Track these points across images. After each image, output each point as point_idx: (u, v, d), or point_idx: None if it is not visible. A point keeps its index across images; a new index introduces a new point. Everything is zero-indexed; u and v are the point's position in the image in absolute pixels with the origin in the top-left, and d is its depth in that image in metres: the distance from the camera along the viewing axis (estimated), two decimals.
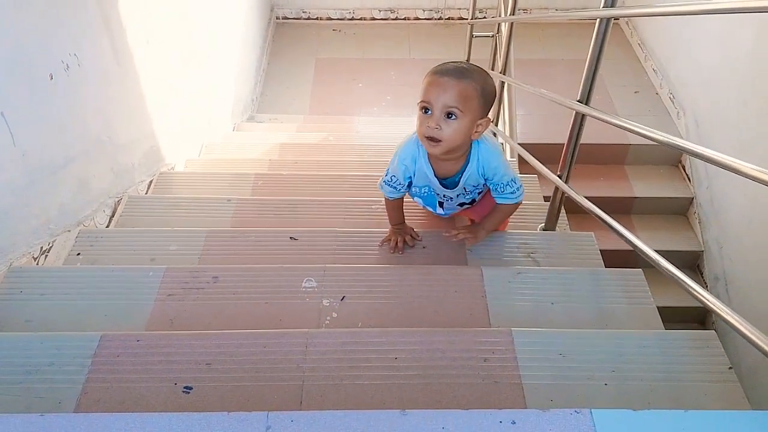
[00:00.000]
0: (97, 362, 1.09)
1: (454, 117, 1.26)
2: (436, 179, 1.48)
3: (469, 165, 1.43)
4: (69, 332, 1.18)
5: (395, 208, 1.63)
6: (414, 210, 1.78)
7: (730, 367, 1.08)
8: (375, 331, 1.16)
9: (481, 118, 1.31)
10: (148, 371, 1.08)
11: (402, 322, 1.30)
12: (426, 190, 1.55)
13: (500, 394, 1.03)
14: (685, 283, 1.08)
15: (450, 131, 1.27)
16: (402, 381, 1.05)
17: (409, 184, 1.54)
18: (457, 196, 1.53)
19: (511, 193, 1.50)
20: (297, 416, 0.74)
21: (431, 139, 1.29)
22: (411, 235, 1.65)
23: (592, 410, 0.74)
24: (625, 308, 1.34)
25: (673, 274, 1.15)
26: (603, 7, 1.40)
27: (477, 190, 1.56)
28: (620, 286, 1.39)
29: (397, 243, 1.61)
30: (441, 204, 1.62)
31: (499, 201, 1.53)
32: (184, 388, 1.05)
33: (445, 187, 1.50)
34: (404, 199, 1.63)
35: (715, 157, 1.02)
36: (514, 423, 0.74)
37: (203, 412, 0.75)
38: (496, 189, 1.50)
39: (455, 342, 1.12)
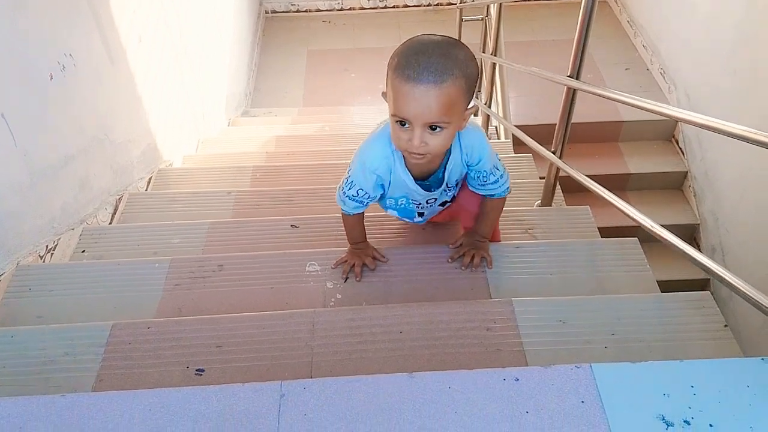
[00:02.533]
0: (110, 350, 1.12)
1: (439, 129, 1.04)
2: (417, 186, 1.24)
3: (451, 155, 1.21)
4: (81, 323, 1.21)
5: (356, 224, 1.37)
6: (387, 220, 1.60)
7: (726, 325, 1.11)
8: (379, 308, 1.19)
9: (468, 108, 1.08)
10: (160, 356, 1.11)
11: (405, 301, 1.33)
12: (403, 202, 1.35)
13: (503, 361, 1.06)
14: (677, 246, 1.12)
15: (436, 143, 1.05)
16: (407, 352, 1.08)
17: (381, 195, 1.33)
18: (441, 193, 1.31)
19: (495, 182, 1.28)
20: (309, 384, 0.77)
21: (414, 153, 1.08)
22: (374, 257, 1.40)
23: (592, 365, 0.77)
24: (623, 275, 1.37)
25: (667, 239, 1.18)
26: None
27: (459, 184, 1.36)
28: (617, 254, 1.42)
29: (354, 266, 1.38)
30: (421, 213, 1.41)
31: (483, 193, 1.30)
32: (197, 370, 1.08)
33: (428, 190, 1.27)
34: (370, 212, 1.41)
35: (703, 122, 1.05)
36: (517, 380, 0.77)
37: (219, 385, 0.78)
38: (478, 178, 1.27)
39: (458, 313, 1.15)
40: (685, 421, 0.72)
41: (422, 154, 1.08)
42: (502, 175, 1.28)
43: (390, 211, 1.41)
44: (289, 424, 0.74)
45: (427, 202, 1.33)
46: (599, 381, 0.76)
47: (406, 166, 1.20)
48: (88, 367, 1.10)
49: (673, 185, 3.28)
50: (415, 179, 1.24)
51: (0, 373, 1.10)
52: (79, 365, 1.10)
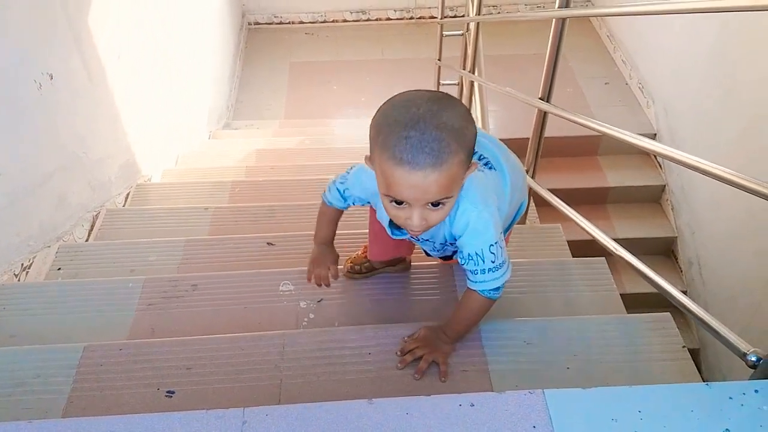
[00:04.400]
0: (81, 372, 1.13)
1: (441, 205, 0.92)
2: (390, 228, 1.14)
3: None
4: (53, 345, 1.22)
5: (330, 221, 1.30)
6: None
7: (684, 346, 1.15)
8: (349, 329, 1.21)
9: (468, 169, 0.94)
10: (131, 378, 1.12)
11: (377, 320, 1.35)
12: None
13: (468, 382, 1.08)
14: (635, 265, 1.15)
15: (438, 217, 0.94)
16: (375, 374, 1.10)
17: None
18: (427, 240, 1.17)
19: (473, 272, 1.05)
20: (271, 410, 0.79)
21: (413, 230, 0.96)
22: (330, 268, 1.30)
23: (545, 390, 0.80)
24: (590, 295, 1.40)
25: (626, 258, 1.22)
26: (558, 8, 1.48)
27: (453, 248, 1.19)
28: (585, 274, 1.45)
29: (320, 276, 1.29)
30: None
31: (468, 284, 1.08)
32: (167, 392, 1.09)
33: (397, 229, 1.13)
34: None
35: (674, 155, 1.08)
36: (472, 405, 0.79)
37: (183, 411, 0.79)
38: (462, 260, 1.07)
39: None
40: None
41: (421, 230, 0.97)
42: (484, 270, 1.04)
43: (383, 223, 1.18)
44: None
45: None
46: (551, 406, 0.79)
47: None
48: (59, 390, 1.11)
49: (651, 198, 3.33)
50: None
51: None
52: (50, 387, 1.12)
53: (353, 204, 1.20)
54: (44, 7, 1.66)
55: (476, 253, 1.02)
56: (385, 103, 0.93)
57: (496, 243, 1.02)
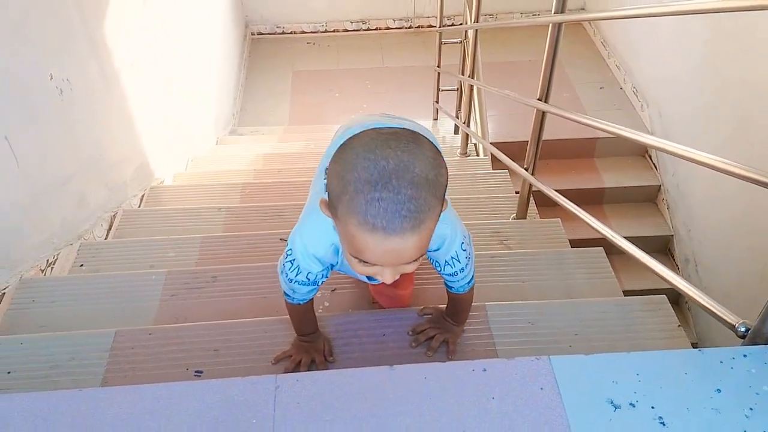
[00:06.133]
0: (113, 355, 1.21)
1: (415, 261, 0.83)
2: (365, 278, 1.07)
3: None
4: (86, 330, 1.29)
5: (307, 310, 1.16)
6: None
7: (679, 325, 1.23)
8: (364, 313, 1.29)
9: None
10: (161, 360, 1.20)
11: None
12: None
13: (477, 359, 1.16)
14: (636, 255, 1.23)
15: (413, 267, 0.85)
16: (390, 353, 1.18)
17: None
18: None
19: (452, 275, 1.07)
20: (301, 377, 0.87)
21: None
22: (324, 355, 1.17)
23: (551, 357, 0.88)
24: (589, 282, 1.48)
25: (628, 250, 1.29)
26: (554, 13, 1.56)
27: None
28: (584, 263, 1.53)
29: (300, 363, 1.14)
30: None
31: (448, 286, 1.13)
32: (195, 372, 1.17)
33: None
34: None
35: (665, 147, 1.16)
36: (485, 370, 0.87)
37: (221, 379, 0.87)
38: (438, 267, 1.07)
39: None
40: (630, 404, 0.83)
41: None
42: (462, 269, 1.06)
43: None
44: (283, 412, 0.83)
45: None
46: (557, 371, 0.86)
47: None
48: (93, 371, 1.18)
49: (647, 198, 3.41)
50: None
51: (9, 377, 1.19)
52: (84, 369, 1.19)
53: (326, 277, 1.08)
54: (62, 16, 1.74)
55: (452, 257, 1.03)
56: (345, 148, 0.80)
57: (465, 238, 1.03)
